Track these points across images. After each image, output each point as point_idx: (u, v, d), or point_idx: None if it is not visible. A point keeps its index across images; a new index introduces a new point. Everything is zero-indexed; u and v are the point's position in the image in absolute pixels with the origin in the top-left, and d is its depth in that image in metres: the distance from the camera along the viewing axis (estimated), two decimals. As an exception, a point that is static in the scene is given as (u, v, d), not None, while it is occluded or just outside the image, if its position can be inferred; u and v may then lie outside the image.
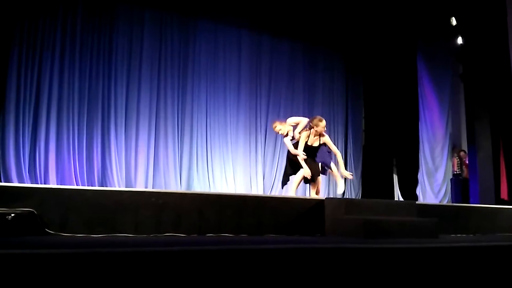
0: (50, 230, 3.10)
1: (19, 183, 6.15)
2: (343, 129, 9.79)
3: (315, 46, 9.51)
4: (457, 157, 8.87)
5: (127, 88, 7.59)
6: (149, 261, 1.92)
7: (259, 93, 8.91)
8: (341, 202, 4.16)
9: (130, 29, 7.70)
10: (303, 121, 5.39)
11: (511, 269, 2.88)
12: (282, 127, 5.37)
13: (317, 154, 5.21)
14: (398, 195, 9.26)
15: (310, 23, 9.17)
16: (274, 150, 8.81)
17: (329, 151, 5.25)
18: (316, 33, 9.37)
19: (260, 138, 8.79)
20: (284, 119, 5.70)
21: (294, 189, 5.30)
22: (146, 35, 7.84)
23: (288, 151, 5.37)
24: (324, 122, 5.18)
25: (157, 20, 7.97)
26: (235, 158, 8.47)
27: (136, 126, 7.60)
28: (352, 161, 9.72)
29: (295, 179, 5.30)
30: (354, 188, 9.60)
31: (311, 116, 5.69)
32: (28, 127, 6.68)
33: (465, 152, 8.66)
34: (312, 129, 5.17)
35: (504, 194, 7.75)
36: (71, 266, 1.78)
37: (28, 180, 6.49)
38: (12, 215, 2.89)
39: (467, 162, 8.48)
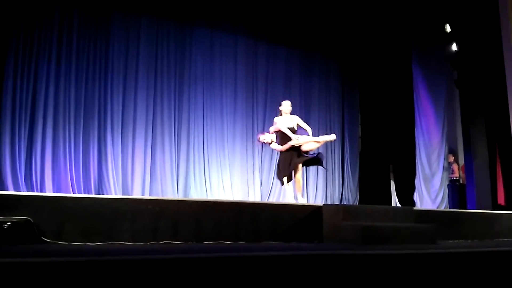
0: (46, 239, 3.08)
1: (15, 191, 6.11)
2: (339, 136, 9.80)
3: (311, 52, 9.55)
4: (456, 163, 8.89)
5: (124, 95, 7.57)
6: (146, 270, 1.90)
7: (255, 99, 8.92)
8: (339, 209, 4.16)
9: (127, 36, 7.70)
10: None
11: (509, 274, 2.88)
12: (265, 136, 5.76)
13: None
14: (395, 201, 9.26)
15: (306, 29, 9.22)
16: (271, 157, 8.80)
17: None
18: (312, 39, 9.42)
19: (257, 145, 8.78)
20: None
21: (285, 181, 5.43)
22: (142, 42, 7.84)
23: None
24: (286, 102, 5.83)
25: (153, 27, 7.97)
26: (232, 164, 8.45)
27: (133, 133, 7.57)
28: (349, 168, 9.72)
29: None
30: (351, 195, 9.60)
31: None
32: (24, 134, 6.64)
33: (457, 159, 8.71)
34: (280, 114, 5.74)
35: (501, 200, 7.76)
36: (68, 275, 1.76)
37: (24, 188, 6.44)
38: (8, 223, 2.88)
39: (463, 167, 8.50)
